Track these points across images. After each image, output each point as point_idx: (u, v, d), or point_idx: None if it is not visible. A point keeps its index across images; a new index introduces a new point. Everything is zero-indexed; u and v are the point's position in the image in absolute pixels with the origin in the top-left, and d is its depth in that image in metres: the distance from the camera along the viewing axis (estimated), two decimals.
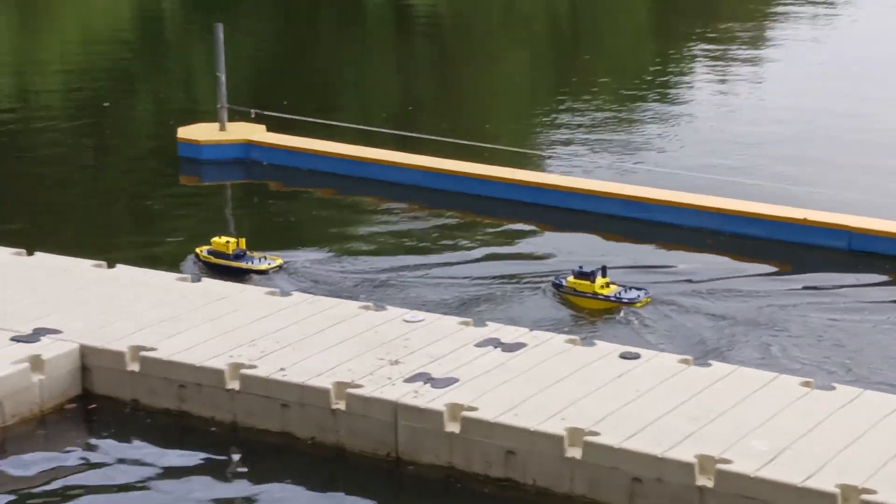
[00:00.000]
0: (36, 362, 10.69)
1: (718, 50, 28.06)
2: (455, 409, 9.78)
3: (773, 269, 14.78)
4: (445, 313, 12.06)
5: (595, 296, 13.28)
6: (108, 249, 14.98)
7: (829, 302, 13.65)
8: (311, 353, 10.75)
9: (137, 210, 17.13)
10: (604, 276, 13.42)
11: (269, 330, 11.22)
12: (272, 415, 10.33)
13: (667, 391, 10.02)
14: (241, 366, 10.54)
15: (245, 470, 10.04)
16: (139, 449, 10.26)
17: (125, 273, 12.72)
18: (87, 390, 10.97)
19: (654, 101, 23.50)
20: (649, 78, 25.75)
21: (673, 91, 24.49)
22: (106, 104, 23.10)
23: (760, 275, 14.56)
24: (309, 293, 12.55)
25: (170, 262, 14.52)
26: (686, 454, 9.06)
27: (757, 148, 19.79)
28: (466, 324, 11.40)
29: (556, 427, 9.46)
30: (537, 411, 9.67)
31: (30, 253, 13.19)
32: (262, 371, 10.45)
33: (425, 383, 10.14)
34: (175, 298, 11.93)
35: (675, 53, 28.75)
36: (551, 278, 13.89)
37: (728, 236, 15.71)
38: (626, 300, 13.20)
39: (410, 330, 11.22)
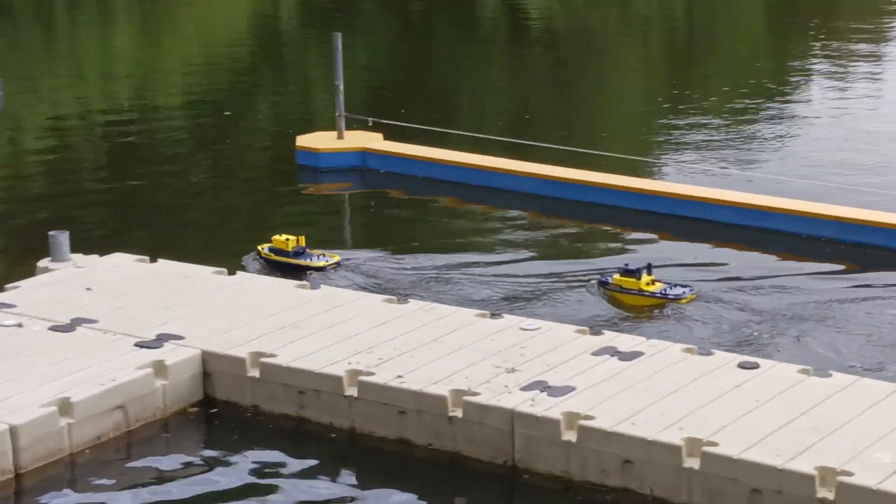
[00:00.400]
0: (159, 368, 10.88)
1: (838, 50, 27.70)
2: (572, 417, 9.78)
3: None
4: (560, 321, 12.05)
5: (641, 293, 13.55)
6: (229, 256, 15.22)
7: None
8: (428, 360, 10.82)
9: (256, 217, 17.36)
10: (649, 273, 13.69)
11: (387, 337, 11.31)
12: (389, 421, 10.41)
13: (786, 401, 9.92)
14: (360, 372, 10.64)
15: (362, 476, 10.12)
16: (259, 454, 10.39)
17: (246, 280, 12.90)
18: (208, 395, 11.14)
19: (772, 104, 23.26)
20: (766, 81, 25.49)
21: (790, 94, 24.23)
22: (227, 113, 23.45)
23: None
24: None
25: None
26: (807, 466, 8.96)
27: (878, 153, 19.49)
28: (583, 332, 11.39)
29: (673, 437, 9.41)
30: (655, 421, 9.63)
31: (153, 260, 13.43)
32: (379, 378, 10.53)
33: (542, 391, 10.15)
34: (295, 305, 12.07)
35: (793, 55, 28.44)
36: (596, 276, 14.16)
37: (848, 246, 15.51)
38: (671, 296, 13.49)
39: (527, 338, 11.23)
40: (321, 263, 14.71)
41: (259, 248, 15.09)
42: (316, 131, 20.16)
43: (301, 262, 14.73)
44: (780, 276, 14.52)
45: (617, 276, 13.78)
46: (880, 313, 13.35)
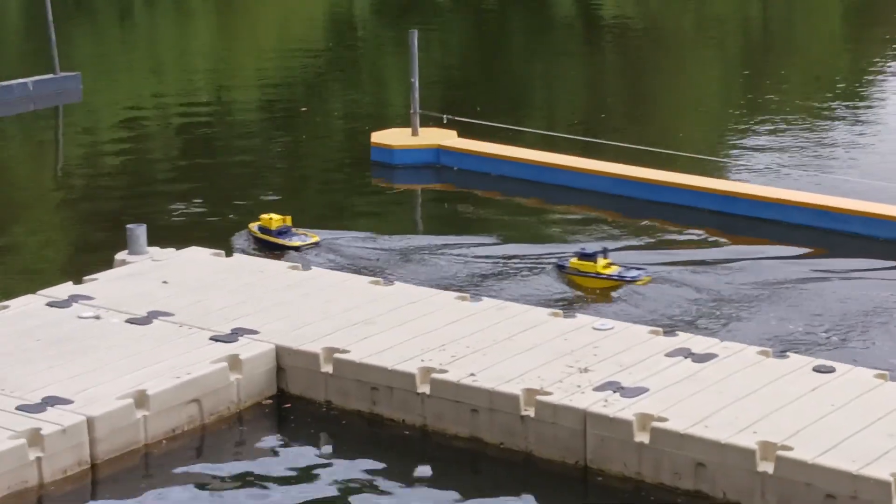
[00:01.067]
0: (234, 362, 10.97)
1: None
2: (645, 419, 9.75)
3: None
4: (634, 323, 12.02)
5: (598, 275, 14.07)
6: (302, 253, 15.32)
7: None
8: (500, 358, 10.82)
9: (331, 213, 17.44)
10: (605, 256, 14.21)
11: (460, 334, 11.32)
12: (462, 419, 10.42)
13: (862, 406, 9.82)
14: (432, 370, 10.66)
15: (434, 473, 10.14)
16: (332, 449, 10.45)
17: (320, 275, 12.97)
18: (281, 390, 11.22)
19: (846, 109, 23.04)
20: (842, 85, 25.26)
21: (866, 99, 23.99)
22: (304, 109, 23.58)
23: None
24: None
25: (362, 264, 14.77)
26: (882, 472, 8.87)
27: None
28: (656, 333, 11.35)
29: (747, 440, 9.35)
30: (728, 424, 9.58)
31: (228, 254, 13.53)
32: (452, 376, 10.55)
33: (615, 392, 10.13)
34: (368, 301, 12.12)
35: (869, 60, 28.14)
36: (553, 260, 14.72)
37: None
38: (628, 278, 13.99)
39: (600, 338, 11.21)
40: (296, 243, 15.36)
41: (250, 226, 15.75)
42: (391, 127, 20.24)
43: (280, 240, 15.40)
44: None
45: (574, 259, 14.30)
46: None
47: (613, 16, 34.93)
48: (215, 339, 11.31)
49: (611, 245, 15.18)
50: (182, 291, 12.40)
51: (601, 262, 14.12)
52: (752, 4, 37.23)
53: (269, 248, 15.34)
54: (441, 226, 16.93)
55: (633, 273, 14.11)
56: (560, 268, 14.39)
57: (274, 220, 15.54)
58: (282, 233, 15.46)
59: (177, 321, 11.67)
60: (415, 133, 19.48)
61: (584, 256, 14.22)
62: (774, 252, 15.44)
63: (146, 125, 23.03)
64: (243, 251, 14.34)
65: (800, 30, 33.53)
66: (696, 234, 16.16)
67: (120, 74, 27.87)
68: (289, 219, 15.64)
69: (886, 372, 10.48)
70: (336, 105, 24.61)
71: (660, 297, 13.71)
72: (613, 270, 14.12)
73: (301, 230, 15.61)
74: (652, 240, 16.04)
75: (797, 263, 15.01)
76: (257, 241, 15.54)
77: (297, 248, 15.30)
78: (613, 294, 13.84)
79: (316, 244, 15.39)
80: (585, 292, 13.93)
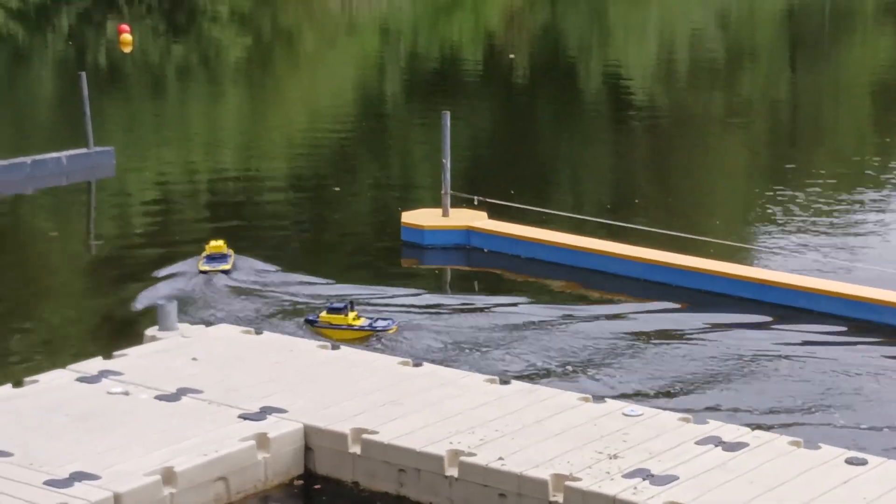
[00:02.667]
0: (262, 440, 10.94)
1: None
2: None
3: None
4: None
5: (350, 327, 15.15)
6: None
7: None
8: (529, 443, 10.77)
9: (360, 291, 17.43)
10: (353, 310, 15.31)
11: (489, 417, 11.28)
12: (490, 503, 10.35)
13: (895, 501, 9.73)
14: (461, 452, 10.61)
15: None
16: None
17: (349, 354, 12.96)
18: (309, 470, 11.18)
19: (874, 196, 23.03)
20: (870, 172, 25.26)
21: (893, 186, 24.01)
22: (336, 189, 23.68)
23: None
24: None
25: (389, 346, 14.78)
26: None
27: None
28: (686, 420, 11.29)
29: None
30: None
31: (258, 332, 13.55)
32: (480, 459, 10.50)
33: (644, 479, 10.05)
34: (397, 381, 12.10)
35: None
36: (306, 315, 15.65)
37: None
38: (379, 328, 15.15)
39: (630, 424, 11.15)
40: (206, 268, 17.38)
41: (318, 321, 15.68)
42: (421, 207, 20.31)
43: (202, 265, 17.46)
44: None
45: (324, 313, 15.20)
46: None
47: (641, 98, 35.07)
48: (244, 416, 11.29)
49: (647, 327, 15.19)
50: (211, 368, 12.41)
51: (351, 314, 15.22)
52: (780, 88, 37.37)
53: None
54: (469, 306, 16.93)
55: (382, 323, 15.26)
56: (310, 322, 15.37)
57: (210, 247, 17.72)
58: (211, 258, 17.52)
59: (206, 398, 11.67)
60: (445, 214, 19.54)
61: (333, 310, 15.29)
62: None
63: (177, 201, 23.16)
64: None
65: (828, 114, 33.58)
66: (724, 320, 16.15)
67: (152, 149, 28.08)
68: (223, 247, 17.80)
69: None
70: (366, 183, 24.71)
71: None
72: (364, 321, 15.27)
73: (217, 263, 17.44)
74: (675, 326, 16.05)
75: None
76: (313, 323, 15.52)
77: (205, 272, 17.22)
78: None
79: (225, 273, 17.28)
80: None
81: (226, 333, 13.51)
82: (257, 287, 17.15)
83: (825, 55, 43.62)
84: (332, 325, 15.21)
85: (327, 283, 17.51)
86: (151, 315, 13.94)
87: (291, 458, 11.11)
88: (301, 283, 17.49)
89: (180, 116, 33.23)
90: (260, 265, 18.13)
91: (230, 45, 44.55)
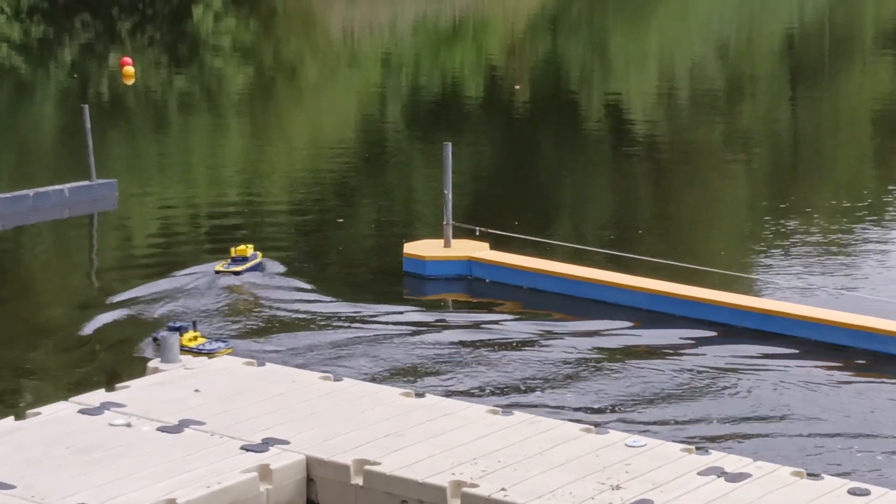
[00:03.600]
0: (264, 472, 10.95)
1: None
2: None
3: None
4: None
5: (183, 347, 14.86)
6: (332, 360, 15.35)
7: None
8: (532, 474, 10.77)
9: (359, 324, 17.44)
10: (195, 329, 15.88)
11: (491, 449, 11.28)
12: None
13: None
14: (463, 483, 10.61)
15: None
16: None
17: (351, 386, 12.97)
18: (311, 501, 11.17)
19: (874, 227, 23.07)
20: (870, 201, 25.30)
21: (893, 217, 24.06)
22: (340, 220, 23.73)
23: None
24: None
25: (391, 375, 14.80)
26: None
27: None
28: (689, 451, 11.28)
29: None
30: None
31: (260, 363, 13.57)
32: (483, 490, 10.49)
33: None
34: (399, 412, 12.10)
35: None
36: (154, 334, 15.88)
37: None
38: (207, 350, 15.45)
39: (632, 455, 11.15)
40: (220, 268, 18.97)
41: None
42: (423, 238, 20.35)
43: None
44: None
45: (164, 332, 15.28)
46: None
47: (642, 128, 35.13)
48: (246, 448, 11.29)
49: (649, 357, 15.20)
50: (214, 400, 12.42)
51: (188, 334, 15.77)
52: (781, 117, 37.44)
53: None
54: (467, 336, 16.98)
55: (215, 345, 15.72)
56: (155, 340, 15.68)
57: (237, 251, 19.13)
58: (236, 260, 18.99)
59: (208, 430, 11.67)
60: (447, 244, 19.58)
61: (172, 329, 15.58)
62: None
63: (180, 233, 23.20)
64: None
65: (828, 144, 33.62)
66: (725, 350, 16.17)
67: (154, 181, 28.15)
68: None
69: None
70: (368, 215, 24.77)
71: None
72: (198, 343, 15.74)
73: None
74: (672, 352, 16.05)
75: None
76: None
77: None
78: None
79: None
80: None
81: (228, 365, 13.52)
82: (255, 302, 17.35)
83: (825, 84, 43.72)
84: None
85: (330, 302, 17.55)
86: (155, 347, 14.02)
87: (294, 489, 11.11)
88: (300, 308, 17.57)
89: (183, 148, 33.31)
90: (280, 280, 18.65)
91: (232, 77, 44.68)
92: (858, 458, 12.80)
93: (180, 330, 15.66)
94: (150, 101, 40.37)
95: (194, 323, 16.07)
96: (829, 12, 64.51)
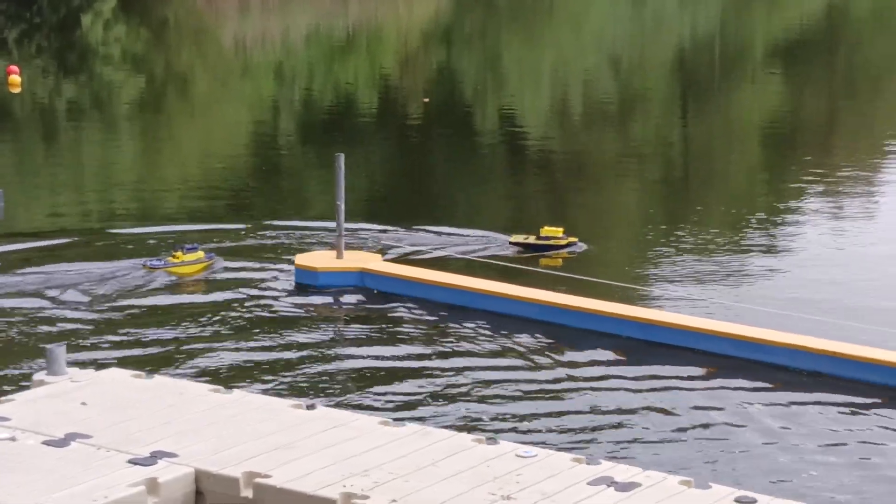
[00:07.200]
0: (152, 485, 10.79)
1: (833, 188, 27.94)
2: None
3: None
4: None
5: (183, 262, 19.82)
6: (224, 372, 15.20)
7: None
8: (423, 485, 10.73)
9: (251, 335, 17.34)
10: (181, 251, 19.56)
11: (383, 460, 11.23)
12: None
13: None
14: (354, 496, 10.55)
15: None
16: None
17: (242, 398, 12.83)
18: None
19: (763, 238, 23.42)
20: (761, 214, 25.67)
21: (783, 229, 24.40)
22: (243, 231, 23.49)
23: None
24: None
25: (282, 387, 14.70)
26: None
27: (864, 293, 19.55)
28: (579, 461, 11.33)
29: None
30: None
31: (148, 376, 13.38)
32: (373, 502, 10.44)
33: None
34: (291, 424, 12.00)
35: (787, 189, 28.65)
36: None
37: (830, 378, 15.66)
38: (188, 248, 19.68)
39: (523, 465, 11.16)
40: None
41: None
42: (315, 249, 20.27)
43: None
44: None
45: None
46: None
47: (537, 141, 35.32)
48: (133, 462, 11.12)
49: (541, 367, 15.30)
50: (101, 413, 12.21)
51: (177, 253, 19.35)
52: (673, 131, 37.87)
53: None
54: (360, 347, 16.94)
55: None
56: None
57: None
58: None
59: (95, 443, 11.47)
60: (339, 256, 19.50)
61: (183, 248, 19.55)
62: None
63: (68, 245, 22.84)
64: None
65: (719, 157, 34.06)
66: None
67: (43, 191, 27.71)
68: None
69: None
70: (261, 225, 24.59)
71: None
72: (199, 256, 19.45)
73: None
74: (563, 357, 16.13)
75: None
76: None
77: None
78: None
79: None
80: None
81: (116, 377, 13.31)
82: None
83: (716, 98, 44.31)
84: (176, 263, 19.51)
85: (221, 313, 17.41)
86: (40, 360, 13.76)
87: (182, 502, 10.96)
88: (188, 320, 17.39)
89: (72, 157, 32.85)
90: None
91: (122, 86, 44.18)
92: (745, 467, 12.98)
93: (174, 247, 19.61)
94: (38, 109, 39.77)
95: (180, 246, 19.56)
96: (720, 27, 65.38)
